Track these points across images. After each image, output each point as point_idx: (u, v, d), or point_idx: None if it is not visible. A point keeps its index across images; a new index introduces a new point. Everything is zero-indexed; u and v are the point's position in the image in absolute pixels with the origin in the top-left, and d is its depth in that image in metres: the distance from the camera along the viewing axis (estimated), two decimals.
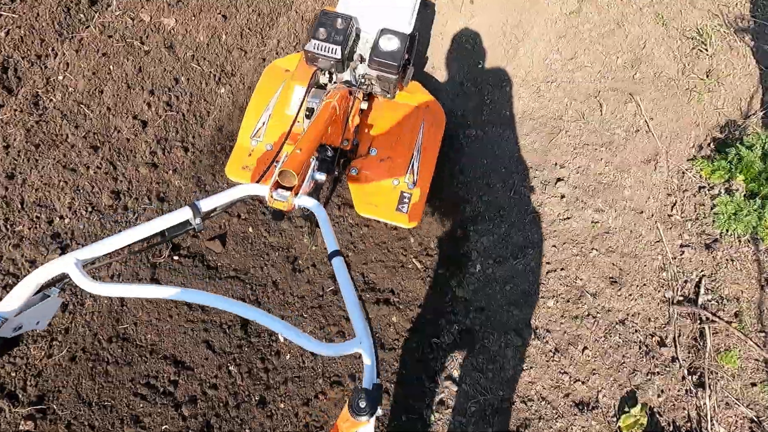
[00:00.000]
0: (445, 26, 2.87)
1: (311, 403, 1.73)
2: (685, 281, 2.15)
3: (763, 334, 2.02)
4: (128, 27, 2.40)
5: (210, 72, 2.36)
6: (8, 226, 1.85)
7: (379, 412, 0.78)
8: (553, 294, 2.03)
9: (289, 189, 1.11)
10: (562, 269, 2.09)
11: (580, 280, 2.07)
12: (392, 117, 1.88)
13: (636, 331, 1.98)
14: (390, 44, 1.45)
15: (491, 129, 2.53)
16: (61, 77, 2.22)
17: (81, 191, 1.96)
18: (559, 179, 2.34)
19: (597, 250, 2.15)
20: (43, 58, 2.25)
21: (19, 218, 1.87)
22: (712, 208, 2.33)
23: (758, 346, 1.98)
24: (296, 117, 1.51)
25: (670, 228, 2.28)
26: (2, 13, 2.30)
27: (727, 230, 2.26)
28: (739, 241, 2.26)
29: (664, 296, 2.09)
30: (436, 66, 2.72)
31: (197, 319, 1.79)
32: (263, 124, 1.85)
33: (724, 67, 2.81)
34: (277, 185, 1.11)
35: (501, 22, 2.96)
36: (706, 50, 2.84)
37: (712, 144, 2.57)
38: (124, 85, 2.23)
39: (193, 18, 2.49)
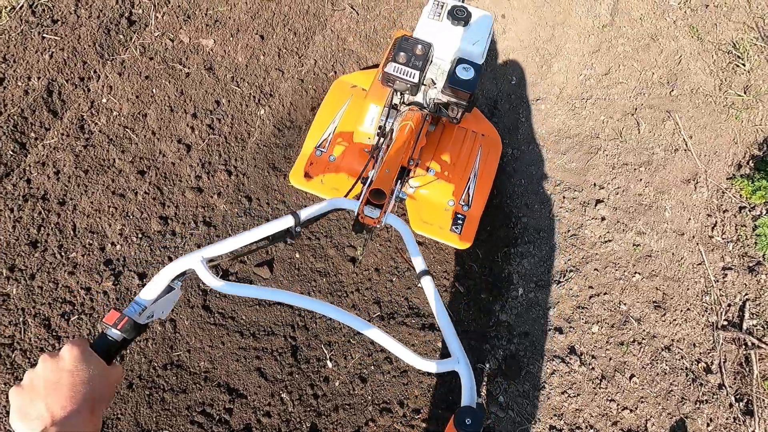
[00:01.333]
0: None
1: (362, 431, 1.74)
2: (729, 305, 2.13)
3: None
4: (168, 48, 2.41)
5: (249, 93, 2.37)
6: (62, 253, 1.87)
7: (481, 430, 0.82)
8: (597, 319, 2.03)
9: (379, 207, 1.19)
10: (605, 293, 2.08)
11: (624, 305, 2.06)
12: (452, 140, 1.95)
13: (682, 357, 1.97)
14: (466, 74, 1.50)
15: (527, 148, 2.52)
16: (105, 100, 2.24)
17: (130, 217, 1.98)
18: (598, 201, 2.32)
19: (640, 273, 2.14)
20: (86, 80, 2.27)
21: (72, 245, 1.89)
22: (754, 230, 2.31)
23: None
24: (376, 135, 1.61)
25: (712, 250, 2.26)
26: (45, 35, 2.32)
27: None
28: None
29: (708, 321, 2.08)
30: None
31: (249, 347, 1.81)
32: (328, 135, 1.94)
33: (762, 82, 2.77)
34: (367, 201, 1.19)
35: (533, 37, 2.93)
36: (743, 65, 2.80)
37: (751, 162, 2.54)
38: (167, 108, 2.24)
39: (231, 38, 2.50)
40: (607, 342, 1.98)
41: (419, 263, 1.06)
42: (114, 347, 0.80)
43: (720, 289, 2.16)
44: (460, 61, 1.52)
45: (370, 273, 2.04)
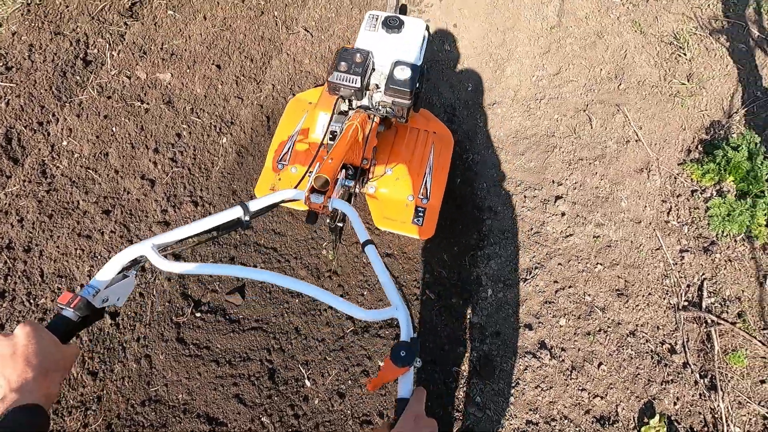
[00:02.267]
0: (431, 52, 2.94)
1: None
2: (688, 286, 2.23)
3: (766, 331, 2.10)
4: (125, 86, 2.44)
5: (210, 123, 2.40)
6: (31, 300, 1.88)
7: (419, 363, 0.87)
8: (564, 312, 2.10)
9: (323, 193, 1.26)
10: (570, 287, 2.16)
11: (589, 295, 2.14)
12: (406, 140, 2.07)
13: (647, 341, 2.05)
14: (403, 74, 1.64)
15: (487, 152, 2.60)
16: (65, 143, 2.25)
17: (98, 257, 1.99)
18: (558, 197, 2.41)
19: (601, 264, 2.22)
20: (45, 124, 2.29)
21: (41, 291, 1.90)
22: (706, 211, 2.42)
23: (763, 343, 2.06)
24: (324, 136, 1.70)
25: (669, 234, 2.36)
26: (0, 83, 2.33)
27: (723, 231, 2.35)
28: (735, 241, 2.35)
29: (670, 303, 2.17)
30: (426, 91, 2.79)
31: (225, 374, 1.83)
32: (289, 149, 2.03)
33: (703, 69, 2.90)
34: (312, 189, 1.27)
35: (485, 44, 3.03)
36: (685, 55, 2.94)
37: (699, 146, 2.66)
38: (128, 146, 2.27)
39: (188, 70, 2.54)
40: (574, 333, 2.05)
41: (363, 235, 1.14)
42: (68, 326, 0.84)
43: (679, 272, 2.26)
44: (397, 63, 1.67)
45: (342, 289, 2.08)
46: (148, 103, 2.40)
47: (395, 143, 2.05)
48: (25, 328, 0.75)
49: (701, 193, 2.48)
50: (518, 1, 3.22)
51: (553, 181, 2.46)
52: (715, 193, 2.48)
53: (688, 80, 2.85)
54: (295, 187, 1.30)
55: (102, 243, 2.02)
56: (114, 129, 2.30)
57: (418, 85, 1.71)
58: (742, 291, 2.21)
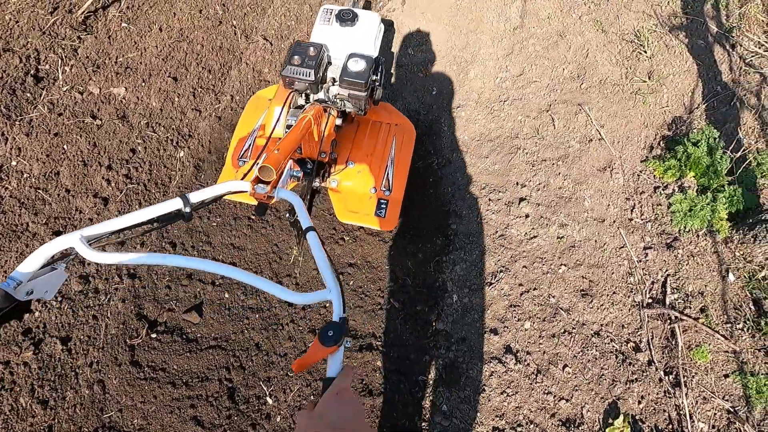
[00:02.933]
0: (394, 57, 2.93)
1: None
2: (652, 283, 2.23)
3: (729, 325, 2.11)
4: (78, 102, 2.37)
5: (167, 137, 2.35)
6: None
7: (348, 343, 0.87)
8: (529, 315, 2.09)
9: (268, 183, 1.25)
10: (534, 289, 2.15)
11: (553, 297, 2.14)
12: (368, 133, 2.07)
13: (611, 340, 2.05)
14: (357, 66, 1.65)
15: (452, 156, 2.59)
16: (14, 163, 2.18)
17: None
18: (521, 199, 2.40)
19: (565, 265, 2.22)
20: None
21: None
22: (668, 207, 2.43)
23: (725, 338, 2.07)
24: (273, 128, 1.67)
25: (632, 232, 2.36)
26: None
27: (685, 227, 2.36)
28: (697, 236, 2.37)
29: (634, 301, 2.17)
30: (391, 97, 2.77)
31: (182, 396, 1.78)
32: (249, 146, 2.00)
33: (663, 66, 2.93)
34: (258, 180, 1.25)
35: (449, 47, 3.03)
36: (645, 52, 2.97)
37: (661, 143, 2.68)
38: (80, 163, 2.21)
39: (144, 84, 2.48)
40: (539, 336, 2.04)
41: (305, 222, 1.14)
42: None
43: (643, 269, 2.27)
44: (351, 55, 1.67)
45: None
46: (101, 119, 2.34)
47: (357, 136, 2.05)
48: None
49: (663, 190, 2.50)
50: (481, 3, 3.22)
51: (517, 183, 2.46)
52: (677, 189, 2.49)
53: (649, 78, 2.88)
54: (242, 179, 1.28)
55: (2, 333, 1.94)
56: (65, 147, 2.23)
57: (375, 77, 1.72)
58: (705, 286, 2.22)
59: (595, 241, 2.31)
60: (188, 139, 2.37)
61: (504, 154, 2.57)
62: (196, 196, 1.12)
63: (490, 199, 2.42)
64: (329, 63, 1.72)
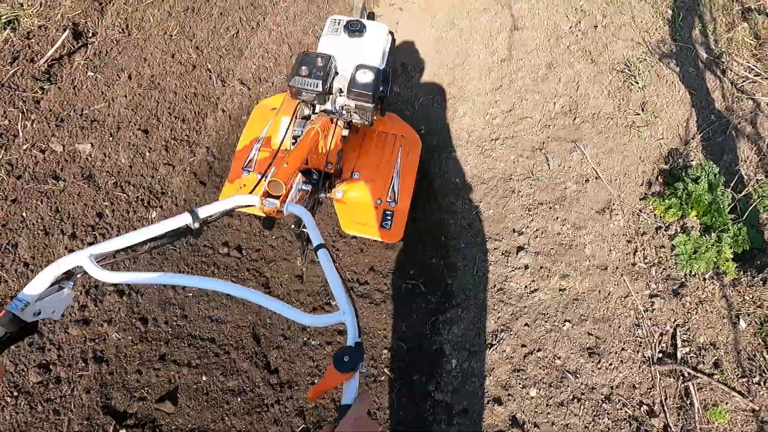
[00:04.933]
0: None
1: None
2: (661, 335, 2.09)
3: (744, 380, 1.97)
4: (38, 162, 2.18)
5: (137, 197, 2.16)
6: None
7: (364, 368, 0.84)
8: (534, 381, 1.93)
9: (277, 197, 1.23)
10: (538, 350, 1.99)
11: (558, 358, 1.98)
12: (373, 144, 2.05)
13: (623, 405, 1.90)
14: (365, 77, 1.63)
15: (444, 200, 2.44)
16: None
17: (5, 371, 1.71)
18: (519, 248, 2.25)
19: (570, 321, 2.07)
20: None
21: None
22: (672, 249, 2.30)
23: (742, 395, 1.93)
24: (282, 141, 1.64)
25: (636, 278, 2.22)
26: None
27: (690, 271, 2.23)
28: (704, 279, 2.24)
29: (644, 356, 2.02)
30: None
31: None
32: (254, 155, 1.98)
33: (656, 97, 2.83)
34: (267, 194, 1.23)
35: (437, 82, 2.89)
36: (637, 83, 2.86)
37: (660, 178, 2.56)
38: (40, 233, 2.00)
39: (111, 139, 2.29)
40: (546, 405, 1.88)
41: (316, 239, 1.11)
42: None
43: (650, 319, 2.12)
44: (359, 67, 1.65)
45: (291, 379, 1.85)
46: (64, 180, 2.14)
47: (362, 147, 2.02)
48: None
49: (666, 230, 2.37)
50: (467, 35, 3.10)
51: (514, 230, 2.31)
52: (679, 229, 2.37)
53: (642, 110, 2.77)
54: (251, 193, 1.25)
55: (6, 355, 1.74)
56: (24, 214, 2.03)
57: (382, 88, 1.68)
58: (716, 336, 2.08)
59: (599, 291, 2.16)
60: (161, 198, 2.18)
61: (498, 197, 2.43)
62: (204, 211, 1.10)
63: (486, 249, 2.27)
64: (336, 73, 1.70)
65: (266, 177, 1.33)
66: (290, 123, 1.66)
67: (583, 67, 2.95)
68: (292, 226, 1.47)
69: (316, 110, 1.74)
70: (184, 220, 1.07)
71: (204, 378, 1.79)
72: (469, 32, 3.12)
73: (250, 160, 1.97)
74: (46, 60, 2.50)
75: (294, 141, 1.68)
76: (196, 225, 1.08)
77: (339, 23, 1.78)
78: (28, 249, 1.96)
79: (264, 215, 1.25)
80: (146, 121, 2.37)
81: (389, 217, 1.94)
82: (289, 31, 2.84)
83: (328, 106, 1.72)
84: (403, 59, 2.96)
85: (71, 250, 1.98)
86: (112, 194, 2.14)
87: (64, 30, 2.61)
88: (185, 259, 2.04)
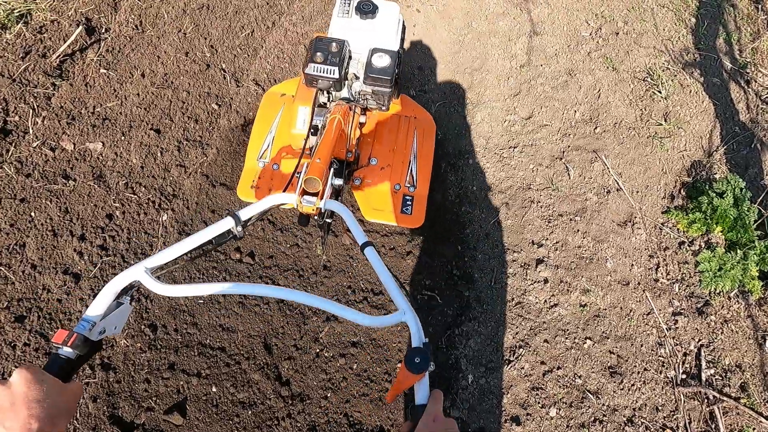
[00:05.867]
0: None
1: None
2: (685, 354, 2.01)
3: None
4: (48, 160, 2.11)
5: (148, 199, 2.10)
6: None
7: (432, 367, 0.84)
8: (554, 400, 1.85)
9: (315, 194, 1.21)
10: (558, 368, 1.92)
11: (579, 377, 1.90)
12: (388, 128, 1.99)
13: (646, 428, 1.82)
14: (382, 61, 1.56)
15: (460, 208, 2.36)
16: None
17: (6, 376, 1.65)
18: (539, 260, 2.17)
19: (591, 338, 1.99)
20: None
21: None
22: (696, 266, 2.22)
23: None
24: (308, 134, 1.61)
25: (659, 295, 2.14)
26: None
27: (715, 289, 2.15)
28: (729, 298, 2.15)
29: (667, 377, 1.94)
30: None
31: None
32: (268, 146, 1.94)
33: (679, 108, 2.74)
34: (304, 192, 1.21)
35: (453, 87, 2.81)
36: (660, 92, 2.77)
37: (683, 190, 2.48)
38: (49, 234, 1.94)
39: (123, 138, 2.23)
40: (567, 426, 1.80)
41: (360, 237, 1.10)
42: (68, 365, 0.79)
43: (673, 338, 2.04)
44: (374, 50, 1.57)
45: (302, 393, 1.79)
46: (74, 180, 2.08)
47: (377, 132, 1.96)
48: (22, 374, 0.68)
49: (689, 246, 2.28)
50: (485, 39, 3.02)
51: (533, 242, 2.23)
52: (703, 244, 2.28)
53: (665, 120, 2.68)
54: (284, 191, 1.25)
55: (13, 359, 1.68)
56: (33, 214, 1.97)
57: (396, 70, 1.61)
58: (742, 357, 2.00)
59: (621, 308, 2.08)
60: (172, 200, 2.12)
61: (517, 207, 2.35)
62: (245, 213, 1.10)
63: (504, 261, 2.19)
64: (350, 58, 1.63)
65: (297, 174, 1.31)
66: (312, 112, 1.62)
67: (603, 74, 2.87)
68: (315, 216, 1.43)
69: (332, 97, 1.69)
70: (227, 224, 1.07)
71: (214, 389, 1.72)
72: (487, 36, 3.04)
73: (264, 151, 1.92)
74: (58, 55, 2.44)
75: (313, 131, 1.64)
76: (239, 229, 1.09)
77: (349, 4, 1.69)
78: (36, 250, 1.90)
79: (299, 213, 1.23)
80: (159, 121, 2.30)
81: (409, 203, 1.89)
82: (305, 31, 2.77)
83: (345, 92, 1.67)
84: (419, 62, 2.88)
85: (80, 253, 1.92)
86: (123, 195, 2.07)
87: (78, 25, 2.55)
88: (197, 264, 1.97)
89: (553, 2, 3.20)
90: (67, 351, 0.80)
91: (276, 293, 0.97)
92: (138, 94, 2.37)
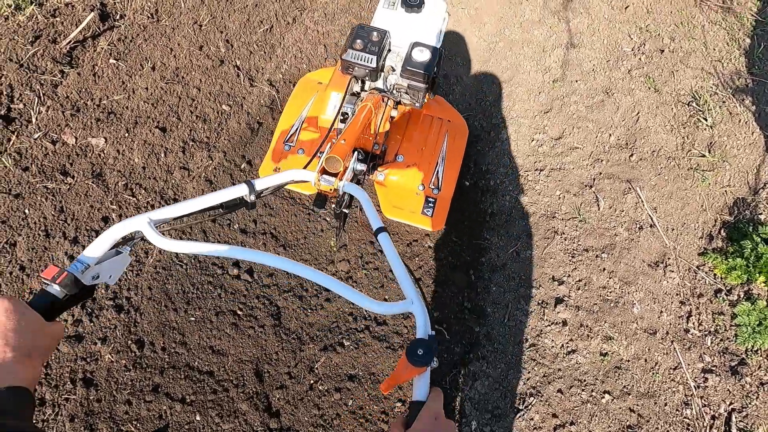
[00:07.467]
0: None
1: None
2: (713, 418, 1.80)
3: None
4: (48, 154, 1.99)
5: (147, 202, 1.96)
6: None
7: (435, 363, 0.78)
8: None
9: (335, 175, 1.17)
10: (572, 424, 1.73)
11: None
12: (419, 128, 1.93)
13: None
14: (422, 56, 1.53)
15: (477, 231, 2.16)
16: None
17: None
18: (558, 300, 1.97)
19: (610, 393, 1.79)
20: None
21: None
22: (732, 318, 1.99)
23: None
24: (336, 117, 1.56)
25: (689, 348, 1.92)
26: None
27: (753, 347, 1.92)
28: None
29: None
30: None
31: None
32: (296, 130, 1.90)
33: (726, 138, 2.47)
34: (323, 171, 1.17)
35: (479, 98, 2.60)
36: (705, 120, 2.51)
37: (722, 231, 2.23)
38: (41, 233, 1.82)
39: (127, 135, 2.09)
40: None
41: (375, 222, 1.06)
42: (54, 304, 0.74)
43: (702, 397, 1.83)
44: (415, 44, 1.54)
45: (300, 416, 1.64)
46: (72, 177, 1.95)
47: (408, 129, 1.91)
48: (3, 303, 0.65)
49: (727, 295, 2.05)
50: (518, 48, 2.79)
51: (554, 278, 2.03)
52: (743, 295, 2.04)
53: (709, 151, 2.42)
54: (305, 168, 1.18)
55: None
56: (27, 211, 1.85)
57: (435, 69, 1.57)
58: None
59: (645, 359, 1.88)
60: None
61: (539, 237, 2.14)
62: (261, 183, 1.07)
63: (520, 296, 2.00)
64: (389, 50, 1.60)
65: (320, 153, 1.27)
66: (343, 99, 1.58)
67: (644, 95, 2.61)
68: (332, 205, 1.37)
69: (366, 87, 1.65)
70: (241, 191, 1.03)
71: (198, 417, 1.59)
72: (520, 45, 2.80)
73: (291, 135, 1.88)
74: (69, 41, 2.31)
75: (342, 117, 1.60)
76: (252, 197, 1.05)
77: None
78: (26, 250, 1.78)
79: (317, 193, 1.20)
80: (165, 118, 2.16)
81: (431, 205, 1.83)
82: (326, 30, 2.58)
83: (380, 84, 1.63)
84: (444, 69, 2.67)
85: (71, 256, 1.80)
86: (121, 197, 1.94)
87: (92, 10, 2.41)
88: (191, 277, 1.84)
89: (594, 12, 2.94)
90: (55, 289, 0.75)
91: (280, 264, 0.90)
92: (146, 88, 2.23)
